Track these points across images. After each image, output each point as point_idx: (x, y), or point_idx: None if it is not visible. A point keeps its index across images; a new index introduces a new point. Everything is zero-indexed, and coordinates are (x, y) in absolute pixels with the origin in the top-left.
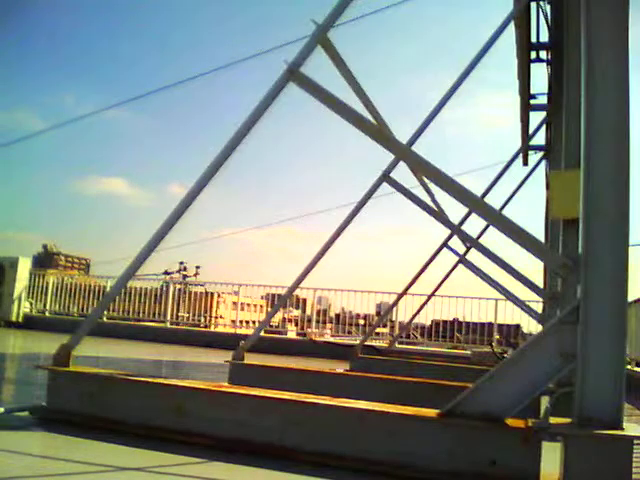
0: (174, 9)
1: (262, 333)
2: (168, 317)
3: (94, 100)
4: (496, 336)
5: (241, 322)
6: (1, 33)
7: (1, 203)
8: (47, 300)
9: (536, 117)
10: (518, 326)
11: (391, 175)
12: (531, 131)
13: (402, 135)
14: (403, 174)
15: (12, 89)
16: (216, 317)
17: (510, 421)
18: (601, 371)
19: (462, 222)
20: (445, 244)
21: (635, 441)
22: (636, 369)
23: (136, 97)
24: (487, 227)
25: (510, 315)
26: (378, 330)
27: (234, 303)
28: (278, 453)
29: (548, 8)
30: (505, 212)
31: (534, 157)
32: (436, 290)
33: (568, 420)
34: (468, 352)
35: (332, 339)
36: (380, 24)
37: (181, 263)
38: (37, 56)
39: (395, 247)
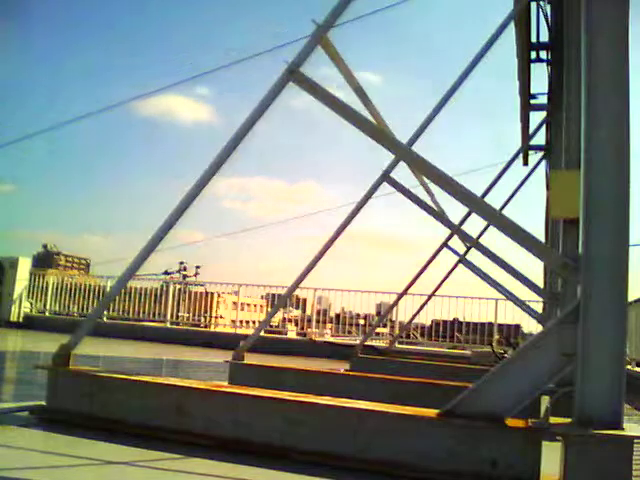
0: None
1: (262, 333)
2: (168, 317)
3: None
4: (496, 336)
5: (241, 322)
6: None
7: None
8: (47, 300)
9: (536, 117)
10: (518, 326)
11: (391, 175)
12: (531, 131)
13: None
14: (403, 174)
15: None
16: (216, 317)
17: (510, 421)
18: (601, 371)
19: (462, 222)
20: (445, 244)
21: (635, 441)
22: (636, 369)
23: (133, 98)
24: (487, 227)
25: (510, 315)
26: (378, 330)
27: (234, 303)
28: (278, 453)
29: (548, 8)
30: (505, 212)
31: (534, 157)
32: (436, 290)
33: (568, 420)
34: (468, 352)
35: (332, 339)
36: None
37: (181, 263)
38: None
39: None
